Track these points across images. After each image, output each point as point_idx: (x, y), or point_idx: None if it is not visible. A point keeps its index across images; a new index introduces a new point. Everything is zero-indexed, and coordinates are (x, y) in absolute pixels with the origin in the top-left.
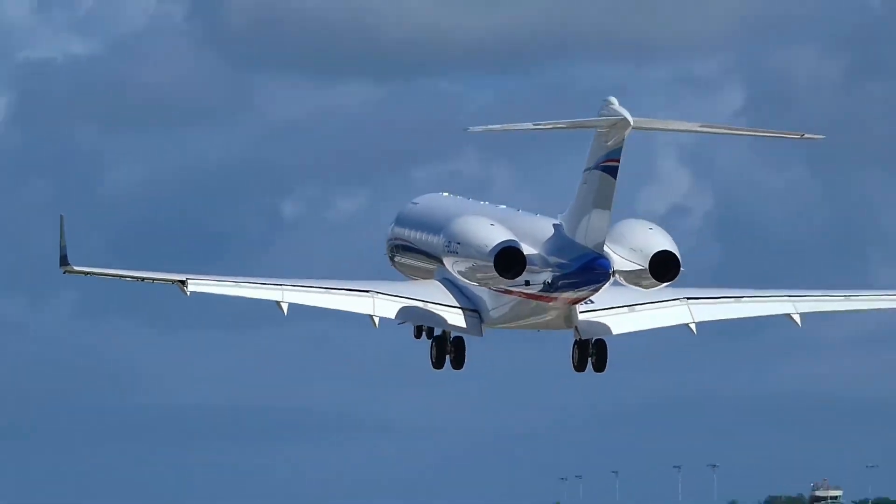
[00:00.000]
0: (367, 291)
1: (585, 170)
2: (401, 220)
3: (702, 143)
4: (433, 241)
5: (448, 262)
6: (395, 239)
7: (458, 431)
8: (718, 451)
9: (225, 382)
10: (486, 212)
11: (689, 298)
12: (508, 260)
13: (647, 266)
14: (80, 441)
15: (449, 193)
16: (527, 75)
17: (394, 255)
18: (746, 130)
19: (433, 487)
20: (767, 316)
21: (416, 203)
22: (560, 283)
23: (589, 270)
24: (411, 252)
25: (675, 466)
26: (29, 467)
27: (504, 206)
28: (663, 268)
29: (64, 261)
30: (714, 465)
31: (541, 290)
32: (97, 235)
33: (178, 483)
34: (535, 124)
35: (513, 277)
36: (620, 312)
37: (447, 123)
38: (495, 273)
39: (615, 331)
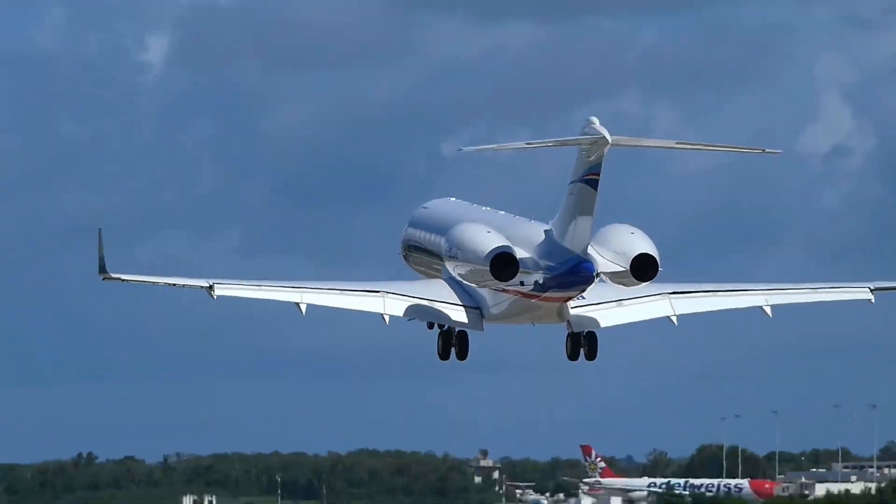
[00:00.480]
0: (377, 292)
1: (570, 182)
2: (413, 223)
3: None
4: (439, 243)
5: (450, 265)
6: (408, 240)
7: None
8: (878, 392)
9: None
10: (486, 218)
11: (671, 293)
12: (502, 264)
13: (628, 267)
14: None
15: (456, 199)
16: (690, 14)
17: (407, 255)
18: (713, 146)
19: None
20: (741, 308)
21: (426, 207)
22: (549, 283)
23: (575, 273)
24: (421, 252)
25: (834, 406)
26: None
27: (503, 213)
28: (642, 269)
29: (102, 269)
30: (874, 406)
31: (533, 290)
32: (260, 174)
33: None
34: (527, 143)
35: (507, 280)
36: (608, 307)
37: (611, 63)
38: (491, 276)
39: (603, 324)
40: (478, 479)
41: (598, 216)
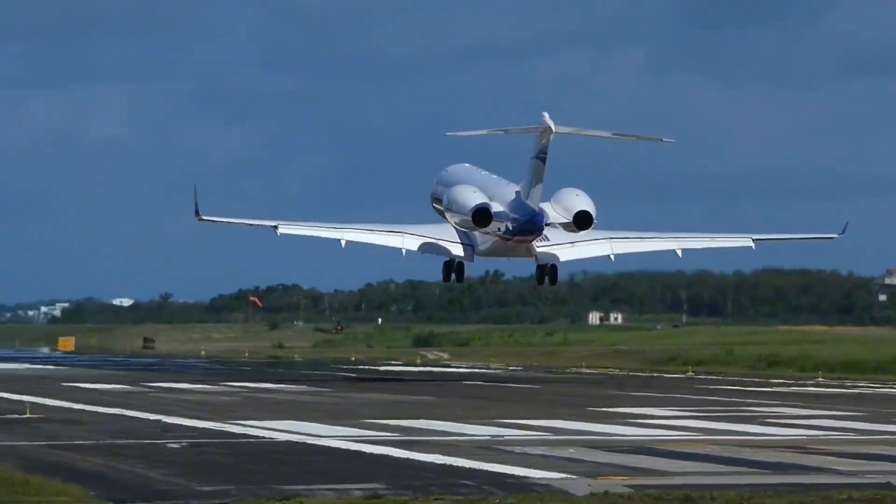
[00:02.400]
0: (399, 232)
1: (530, 158)
2: (437, 181)
3: None
4: (446, 199)
5: (448, 215)
6: (434, 193)
7: None
8: None
9: None
10: (480, 181)
11: (611, 238)
12: (481, 216)
13: (571, 220)
14: None
15: (469, 165)
16: None
17: (433, 204)
18: (619, 135)
19: None
20: (660, 250)
21: (446, 171)
22: (514, 230)
23: (530, 223)
24: (439, 203)
25: None
26: None
27: (495, 177)
28: (582, 221)
29: (197, 213)
30: None
31: (504, 234)
32: None
33: None
34: (499, 129)
35: (484, 227)
36: (565, 247)
37: None
38: (473, 224)
39: (562, 258)
40: (882, 298)
41: (564, 180)
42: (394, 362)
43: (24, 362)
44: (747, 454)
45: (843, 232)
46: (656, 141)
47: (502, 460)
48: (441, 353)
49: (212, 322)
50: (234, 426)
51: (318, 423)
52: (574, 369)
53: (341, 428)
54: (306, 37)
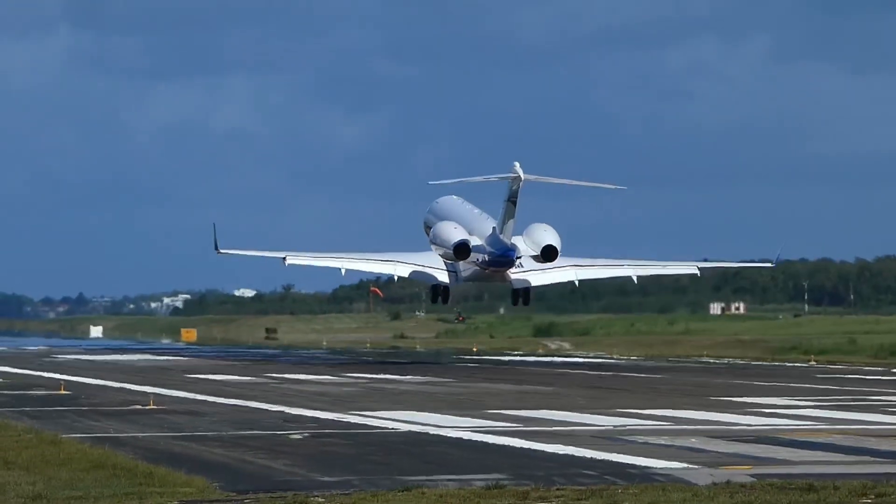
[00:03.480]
0: (392, 261)
1: (504, 200)
2: (429, 210)
3: None
4: (433, 233)
5: (434, 248)
6: (426, 221)
7: None
8: None
9: None
10: (463, 215)
11: (575, 266)
12: (461, 250)
13: (539, 253)
14: None
15: (457, 197)
16: None
17: (425, 230)
18: (577, 182)
19: None
20: (614, 277)
21: (437, 202)
22: (489, 262)
23: (503, 257)
24: (429, 230)
25: None
26: None
27: (477, 211)
28: (548, 254)
29: (216, 248)
30: None
31: (482, 265)
32: None
33: None
34: (472, 179)
35: (464, 259)
36: (536, 273)
37: None
38: (454, 256)
39: (533, 283)
40: None
41: (537, 218)
42: (515, 352)
43: (147, 353)
44: (871, 443)
45: (776, 261)
46: (611, 188)
47: (624, 450)
48: (562, 343)
49: (334, 312)
50: (355, 417)
51: (440, 413)
52: (695, 358)
53: (463, 418)
54: (431, 23)
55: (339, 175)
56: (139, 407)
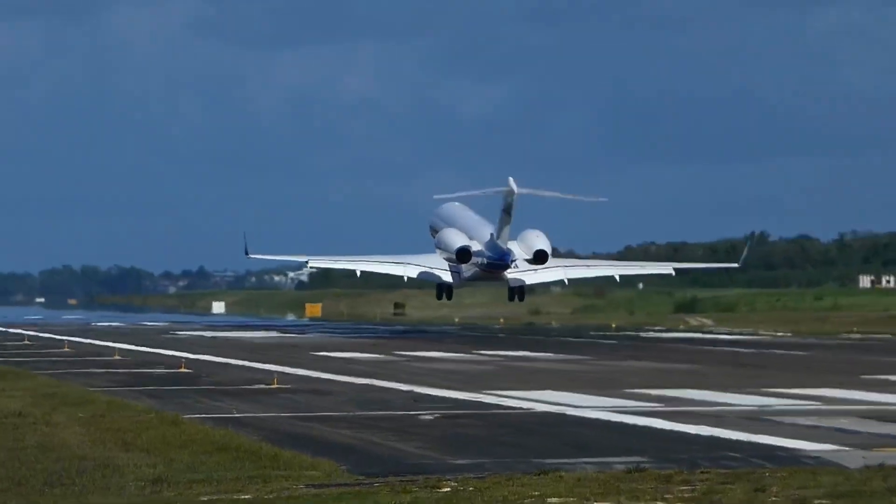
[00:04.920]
0: (402, 263)
1: (501, 210)
2: (434, 215)
3: None
4: (438, 238)
5: (439, 252)
6: (431, 225)
7: None
8: None
9: None
10: (464, 221)
11: (565, 266)
12: (462, 255)
13: (532, 256)
14: None
15: (458, 203)
16: None
17: (431, 231)
18: (561, 195)
19: None
20: (601, 276)
21: (441, 208)
22: (487, 265)
23: (500, 261)
24: (434, 233)
25: None
26: None
27: (477, 217)
28: (539, 258)
29: (246, 252)
30: None
31: (481, 266)
32: None
33: None
34: (473, 192)
35: (466, 262)
36: (530, 273)
37: None
38: (457, 260)
39: (528, 282)
40: None
41: (528, 223)
42: (656, 328)
43: (270, 330)
44: None
45: (741, 263)
46: (594, 200)
47: (771, 431)
48: (704, 319)
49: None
50: (488, 396)
51: (578, 393)
52: (845, 335)
53: (602, 398)
54: None
55: (466, 144)
56: (262, 386)
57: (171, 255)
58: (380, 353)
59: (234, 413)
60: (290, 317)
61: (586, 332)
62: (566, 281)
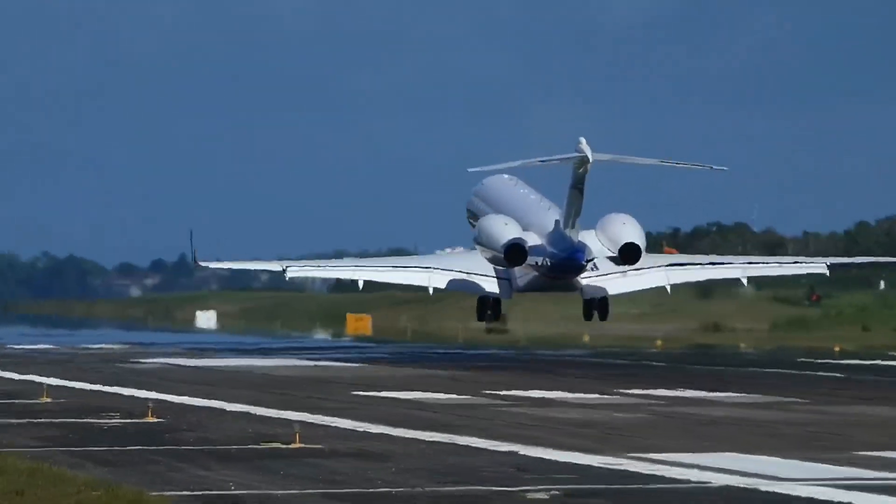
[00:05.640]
0: (426, 268)
1: (569, 188)
2: (474, 193)
3: None
4: (477, 230)
5: (480, 249)
6: (469, 207)
7: None
8: None
9: None
10: (517, 203)
11: (667, 266)
12: (514, 254)
13: (617, 253)
14: None
15: (508, 177)
16: None
17: (469, 218)
18: (670, 162)
19: None
20: (722, 279)
21: (483, 184)
22: (551, 266)
23: (569, 260)
24: (474, 218)
25: None
26: None
27: (534, 196)
28: (629, 255)
29: (195, 260)
30: None
31: (542, 270)
32: None
33: None
34: (532, 161)
35: (518, 265)
36: (614, 277)
37: None
38: (506, 262)
39: (611, 291)
40: None
41: (613, 205)
42: None
43: (290, 356)
44: None
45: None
46: (706, 168)
47: None
48: None
49: None
50: (637, 462)
51: (778, 455)
52: None
53: (816, 464)
54: None
55: None
56: (279, 445)
57: (134, 238)
58: (463, 393)
59: (232, 489)
60: (322, 336)
61: (793, 359)
62: (668, 288)
